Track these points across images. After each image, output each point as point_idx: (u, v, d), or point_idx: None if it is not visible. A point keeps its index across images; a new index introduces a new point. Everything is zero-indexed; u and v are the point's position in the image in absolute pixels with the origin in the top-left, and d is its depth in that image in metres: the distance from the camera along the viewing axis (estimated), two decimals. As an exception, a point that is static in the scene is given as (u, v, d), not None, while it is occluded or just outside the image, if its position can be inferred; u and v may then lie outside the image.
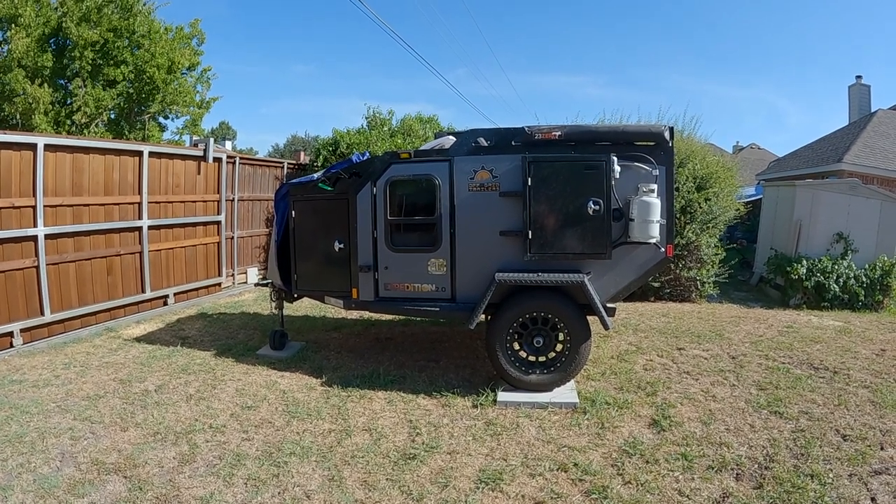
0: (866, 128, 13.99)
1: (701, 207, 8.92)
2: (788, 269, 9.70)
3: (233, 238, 9.83)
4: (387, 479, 3.24)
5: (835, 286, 9.33)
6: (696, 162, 9.12)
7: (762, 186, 13.95)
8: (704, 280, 9.31)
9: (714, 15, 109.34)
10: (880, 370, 5.08)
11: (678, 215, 8.73)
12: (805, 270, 9.48)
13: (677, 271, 9.06)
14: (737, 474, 3.29)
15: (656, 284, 9.04)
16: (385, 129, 12.36)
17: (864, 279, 9.38)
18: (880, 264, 9.47)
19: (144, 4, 14.69)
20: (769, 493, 3.06)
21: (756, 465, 3.37)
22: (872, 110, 16.11)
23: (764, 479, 3.21)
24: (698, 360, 5.39)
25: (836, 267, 9.44)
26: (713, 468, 3.35)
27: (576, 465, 3.35)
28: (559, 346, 4.51)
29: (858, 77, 18.72)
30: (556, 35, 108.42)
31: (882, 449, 3.55)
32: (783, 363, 5.28)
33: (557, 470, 3.32)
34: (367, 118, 12.90)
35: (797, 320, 7.41)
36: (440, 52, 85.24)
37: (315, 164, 11.89)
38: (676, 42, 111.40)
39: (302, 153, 16.29)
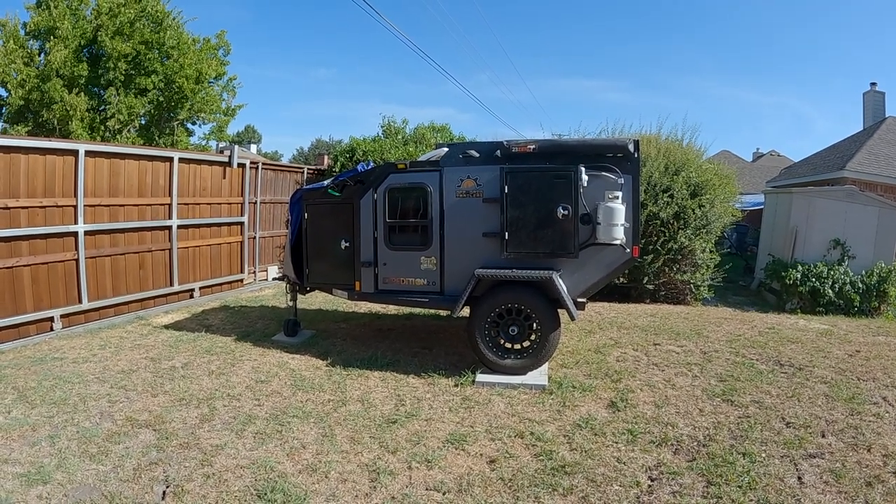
0: (874, 135, 14.05)
1: (695, 213, 9.15)
2: (784, 274, 9.83)
3: (255, 238, 10.54)
4: (370, 436, 3.84)
5: (829, 291, 9.43)
6: (690, 170, 9.40)
7: (764, 194, 14.13)
8: (699, 283, 9.54)
9: (739, 20, 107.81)
10: (846, 368, 5.23)
11: (671, 221, 9.10)
12: (800, 276, 9.63)
13: (672, 274, 9.37)
14: (675, 449, 3.64)
15: (651, 287, 9.37)
16: (399, 137, 13.02)
17: (861, 285, 9.44)
18: (877, 270, 9.52)
19: (174, 19, 15.56)
20: (699, 466, 3.39)
21: (695, 443, 3.70)
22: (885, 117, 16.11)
23: (699, 454, 3.54)
24: (670, 354, 5.76)
25: (832, 272, 9.54)
26: (654, 443, 3.72)
27: (532, 433, 3.86)
28: (532, 335, 5.01)
29: (873, 84, 18.65)
30: (580, 40, 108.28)
31: (823, 436, 3.74)
32: (750, 359, 5.52)
33: (515, 437, 3.84)
34: (382, 127, 13.61)
35: (782, 322, 7.53)
36: (463, 59, 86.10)
37: (334, 169, 12.60)
38: (701, 47, 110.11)
39: (325, 157, 17.01)
